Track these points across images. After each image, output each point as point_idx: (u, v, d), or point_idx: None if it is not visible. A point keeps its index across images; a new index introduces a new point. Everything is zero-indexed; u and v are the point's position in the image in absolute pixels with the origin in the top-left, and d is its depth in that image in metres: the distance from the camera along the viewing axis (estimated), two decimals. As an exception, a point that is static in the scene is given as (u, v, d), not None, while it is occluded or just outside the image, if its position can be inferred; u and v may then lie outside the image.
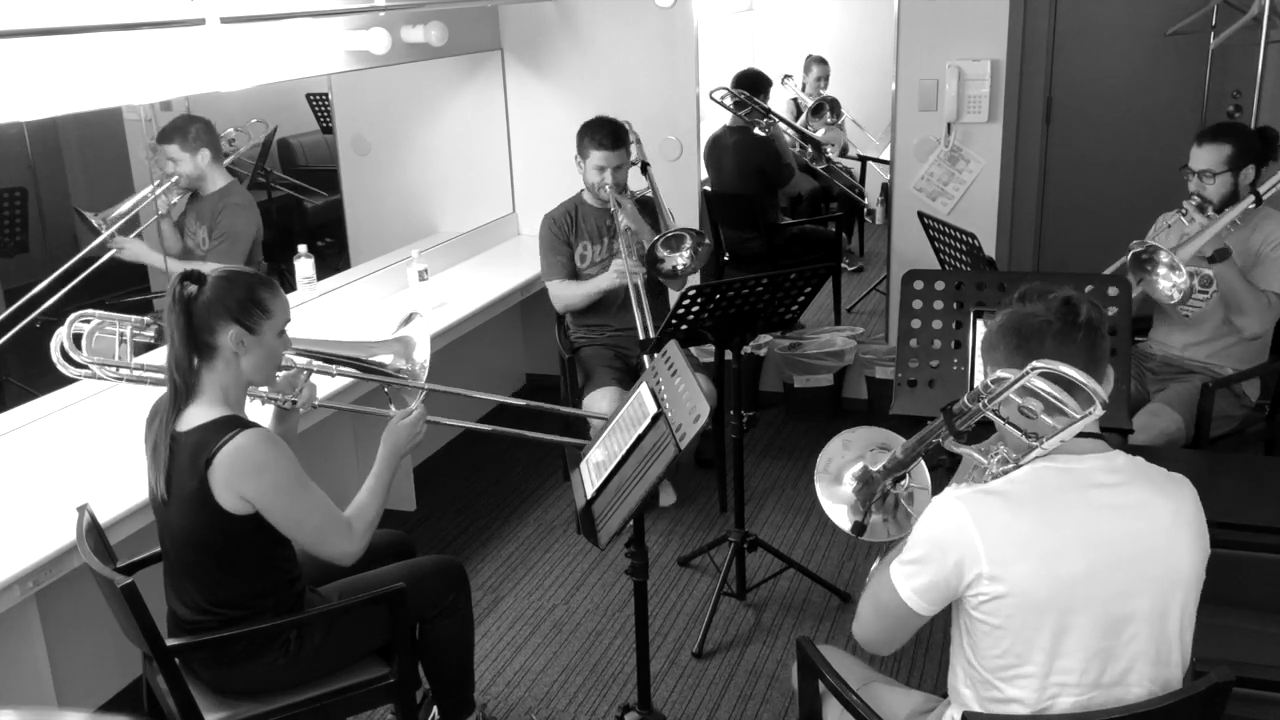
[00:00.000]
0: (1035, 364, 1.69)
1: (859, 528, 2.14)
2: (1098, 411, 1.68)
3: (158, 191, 3.62)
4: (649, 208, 4.02)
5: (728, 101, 5.30)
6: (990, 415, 1.77)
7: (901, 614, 1.84)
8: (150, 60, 3.03)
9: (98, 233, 3.48)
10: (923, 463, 2.09)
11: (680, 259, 3.80)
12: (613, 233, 4.00)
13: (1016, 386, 1.71)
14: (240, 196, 3.80)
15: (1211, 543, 1.80)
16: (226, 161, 3.85)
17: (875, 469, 2.14)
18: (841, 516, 2.18)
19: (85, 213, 3.55)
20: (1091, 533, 1.73)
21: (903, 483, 2.13)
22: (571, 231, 4.08)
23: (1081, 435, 1.73)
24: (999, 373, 1.75)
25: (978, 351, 1.87)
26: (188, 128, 3.64)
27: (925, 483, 2.14)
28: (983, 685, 1.83)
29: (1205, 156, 3.33)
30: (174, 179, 3.63)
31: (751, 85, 5.41)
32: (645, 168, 4.18)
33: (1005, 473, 1.78)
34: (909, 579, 1.81)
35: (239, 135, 4.11)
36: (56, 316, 3.01)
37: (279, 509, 2.22)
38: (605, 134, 3.91)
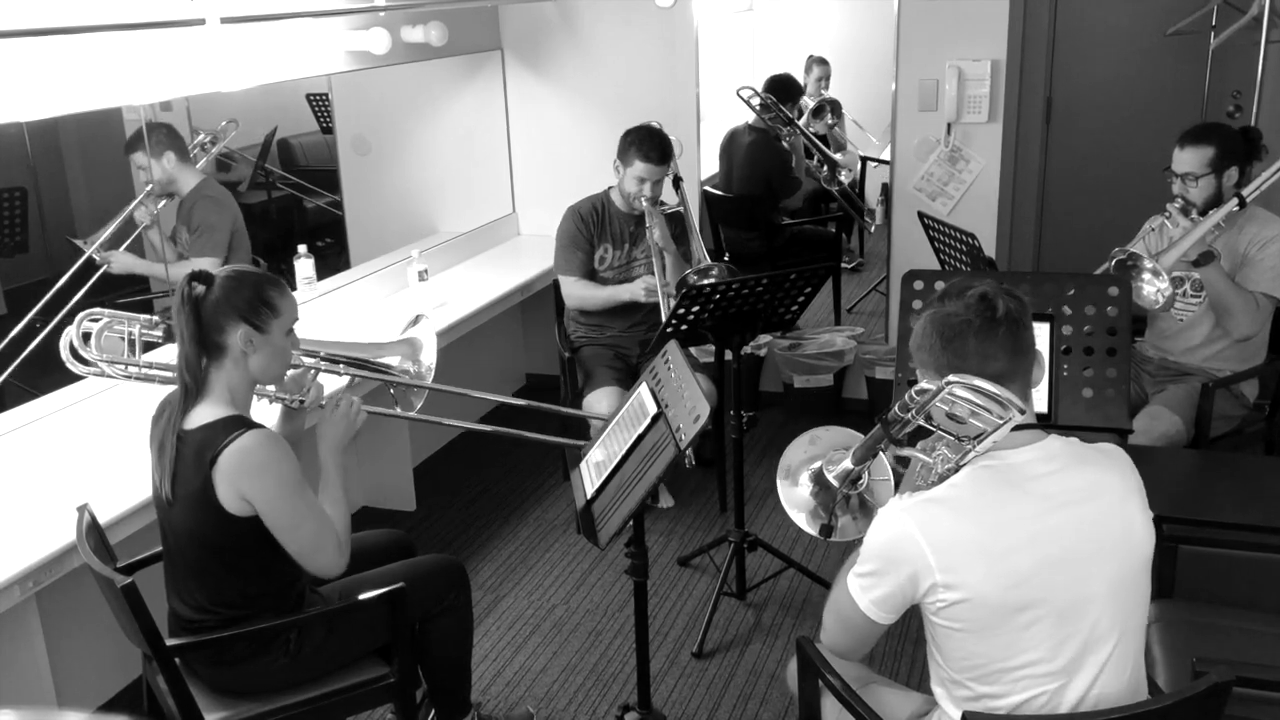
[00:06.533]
0: (951, 378, 1.72)
1: (826, 530, 2.13)
2: (1016, 418, 1.70)
3: (134, 204, 3.63)
4: (677, 222, 3.98)
5: (754, 101, 5.22)
6: (922, 423, 1.79)
7: (863, 624, 1.86)
8: (150, 60, 3.03)
9: (89, 257, 3.52)
10: (883, 455, 2.08)
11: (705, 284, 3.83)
12: (635, 240, 3.98)
13: (938, 398, 1.73)
14: (211, 189, 3.81)
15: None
16: (201, 163, 3.87)
17: (831, 475, 2.11)
18: (802, 520, 2.17)
19: (74, 240, 3.59)
20: (1037, 527, 1.75)
21: (860, 482, 2.12)
22: (596, 231, 4.01)
23: (1016, 428, 1.74)
24: (922, 384, 1.78)
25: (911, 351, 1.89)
26: (147, 135, 3.64)
27: (886, 474, 2.13)
28: (953, 685, 1.85)
29: (1187, 159, 3.31)
30: (149, 187, 3.64)
31: (783, 91, 5.31)
32: (678, 182, 4.11)
33: (950, 471, 1.80)
34: (866, 591, 1.83)
35: (207, 138, 4.11)
36: (58, 323, 3.03)
37: (277, 511, 2.21)
38: (653, 148, 3.82)
